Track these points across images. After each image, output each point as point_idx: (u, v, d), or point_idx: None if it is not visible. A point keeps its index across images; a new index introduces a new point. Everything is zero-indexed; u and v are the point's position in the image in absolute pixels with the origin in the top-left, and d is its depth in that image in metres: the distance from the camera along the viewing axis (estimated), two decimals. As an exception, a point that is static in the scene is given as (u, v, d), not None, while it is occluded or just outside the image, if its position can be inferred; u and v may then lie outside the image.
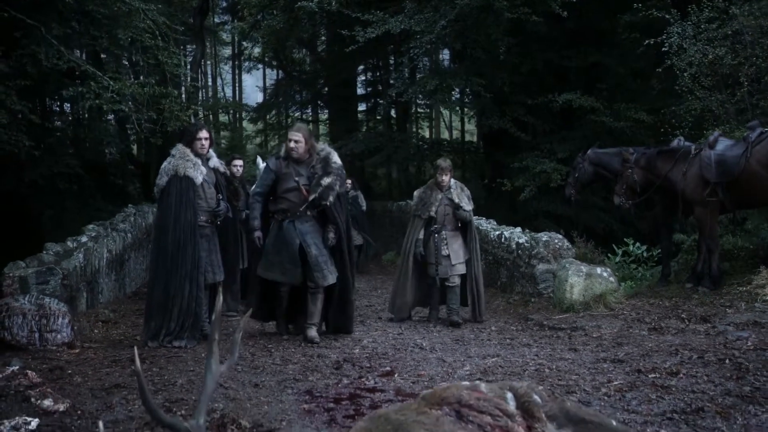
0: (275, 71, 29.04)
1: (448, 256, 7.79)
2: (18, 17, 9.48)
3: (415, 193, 8.28)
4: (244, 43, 28.47)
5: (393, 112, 23.22)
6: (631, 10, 11.83)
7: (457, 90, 17.19)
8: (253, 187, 7.26)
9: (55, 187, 16.47)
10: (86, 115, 20.38)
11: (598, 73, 15.38)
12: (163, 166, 6.61)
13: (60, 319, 5.98)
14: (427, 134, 28.31)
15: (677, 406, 3.91)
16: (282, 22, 17.82)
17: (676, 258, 9.25)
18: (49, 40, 10.15)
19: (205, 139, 6.69)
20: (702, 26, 9.64)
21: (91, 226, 9.45)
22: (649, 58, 12.53)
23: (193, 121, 13.60)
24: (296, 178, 6.63)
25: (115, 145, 20.47)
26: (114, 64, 13.50)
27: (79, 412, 4.03)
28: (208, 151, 6.77)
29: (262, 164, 9.03)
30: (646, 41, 10.37)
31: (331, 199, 6.61)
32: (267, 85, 29.39)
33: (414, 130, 25.85)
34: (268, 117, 26.98)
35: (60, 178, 16.22)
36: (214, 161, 6.89)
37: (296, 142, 6.64)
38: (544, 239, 8.89)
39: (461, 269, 7.85)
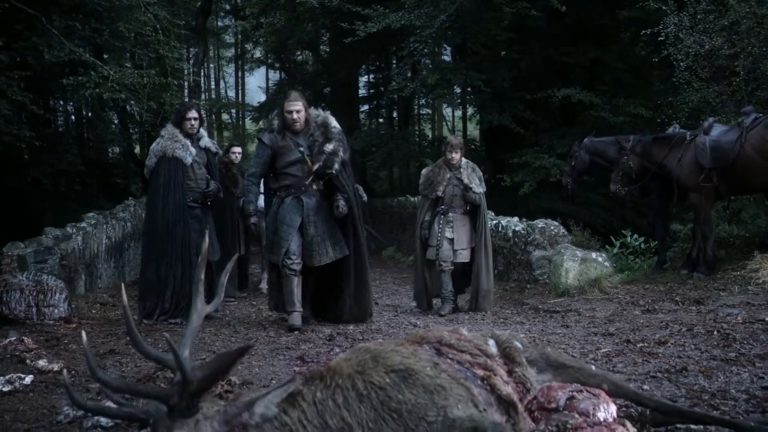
0: (278, 73, 29.20)
1: (452, 239, 7.23)
2: (19, 7, 9.56)
3: (423, 171, 7.69)
4: (247, 46, 28.68)
5: (395, 114, 23.33)
6: (630, 4, 11.90)
7: (458, 87, 17.29)
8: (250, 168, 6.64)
9: (57, 188, 16.58)
10: (89, 114, 20.54)
11: (598, 70, 15.47)
12: (152, 146, 6.65)
13: (57, 294, 6.07)
14: (429, 135, 28.40)
15: (662, 368, 3.96)
16: (283, 21, 17.95)
17: (672, 247, 9.28)
18: (51, 32, 10.25)
19: (195, 119, 6.65)
20: (698, 16, 9.69)
21: (91, 214, 9.53)
22: (649, 54, 12.59)
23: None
24: (300, 149, 6.11)
25: (117, 143, 20.60)
26: (115, 56, 13.58)
27: (72, 372, 4.10)
28: (198, 131, 6.73)
29: None
30: (643, 31, 10.42)
31: (336, 166, 6.11)
32: (270, 85, 29.57)
33: (416, 129, 25.96)
34: (269, 116, 27.09)
35: (63, 177, 16.31)
36: (205, 141, 6.84)
37: (297, 112, 6.11)
38: (540, 226, 8.94)
39: (464, 257, 7.29)
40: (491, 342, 2.90)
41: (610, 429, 2.57)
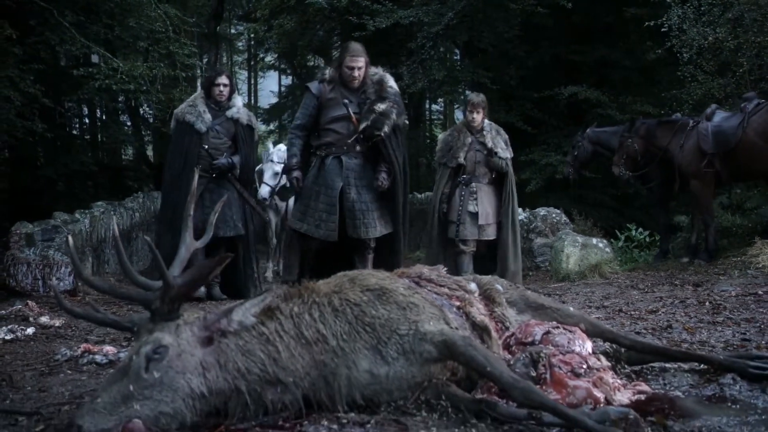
0: (289, 77, 29.46)
1: (476, 214, 6.51)
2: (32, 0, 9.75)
3: (440, 136, 6.94)
4: (260, 53, 28.95)
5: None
6: (636, 1, 11.96)
7: (468, 89, 17.36)
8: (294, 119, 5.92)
9: (71, 189, 16.73)
10: (103, 117, 20.78)
11: (606, 68, 15.49)
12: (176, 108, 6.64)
13: (63, 268, 6.21)
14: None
15: (647, 327, 4.03)
16: (293, 22, 18.09)
17: (675, 238, 9.31)
18: (63, 25, 10.42)
19: (224, 85, 6.41)
20: (702, 8, 9.73)
21: (99, 203, 9.66)
22: (656, 49, 12.63)
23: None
24: (345, 101, 5.48)
25: (130, 144, 20.78)
26: (127, 52, 13.76)
27: (73, 327, 4.21)
28: (229, 99, 6.49)
29: (272, 149, 9.10)
30: (646, 23, 10.47)
31: (386, 129, 5.42)
32: (281, 90, 29.87)
33: (426, 132, 26.05)
34: (282, 117, 27.49)
35: (76, 178, 16.47)
36: (234, 111, 6.51)
37: (359, 69, 5.53)
38: (541, 214, 9.00)
39: (490, 233, 6.59)
40: (473, 284, 2.99)
41: (582, 357, 2.65)
